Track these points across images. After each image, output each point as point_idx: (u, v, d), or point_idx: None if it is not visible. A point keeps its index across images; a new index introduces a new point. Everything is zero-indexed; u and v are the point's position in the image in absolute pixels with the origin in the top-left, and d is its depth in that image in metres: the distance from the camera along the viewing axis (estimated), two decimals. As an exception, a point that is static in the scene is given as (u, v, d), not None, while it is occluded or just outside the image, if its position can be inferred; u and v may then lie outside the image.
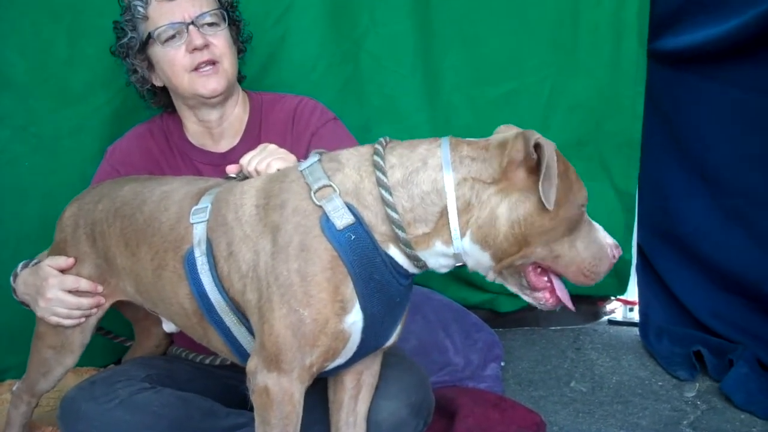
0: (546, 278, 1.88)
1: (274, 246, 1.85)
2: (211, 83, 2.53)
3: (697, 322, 3.59)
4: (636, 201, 3.80)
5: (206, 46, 2.51)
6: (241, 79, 2.76)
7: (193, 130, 2.69)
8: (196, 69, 2.53)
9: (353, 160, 1.89)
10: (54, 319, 2.28)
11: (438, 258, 1.87)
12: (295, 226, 1.84)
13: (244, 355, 2.02)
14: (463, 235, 1.81)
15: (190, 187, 2.17)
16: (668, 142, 3.72)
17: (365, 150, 1.92)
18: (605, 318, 4.18)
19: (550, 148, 1.74)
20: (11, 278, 2.43)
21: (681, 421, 2.91)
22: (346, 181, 1.85)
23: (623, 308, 4.18)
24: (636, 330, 3.90)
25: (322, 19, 3.32)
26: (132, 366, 2.50)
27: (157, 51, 2.55)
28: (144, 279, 2.15)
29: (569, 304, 1.91)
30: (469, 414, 2.77)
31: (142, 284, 2.17)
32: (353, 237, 1.81)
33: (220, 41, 2.56)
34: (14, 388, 2.49)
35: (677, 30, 3.57)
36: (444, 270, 1.92)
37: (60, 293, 2.25)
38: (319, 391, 2.23)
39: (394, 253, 1.85)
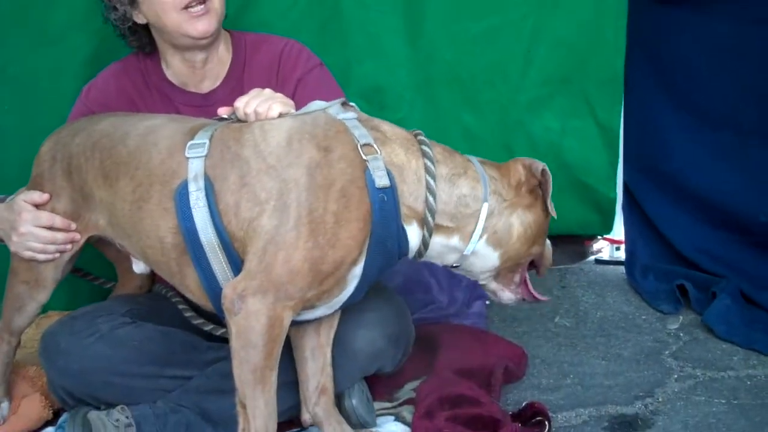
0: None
1: (310, 181, 1.93)
2: (201, 24, 2.46)
3: (683, 258, 3.61)
4: (620, 137, 3.78)
5: None
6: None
7: (176, 69, 2.63)
8: (186, 8, 2.45)
9: (399, 140, 2.07)
10: (28, 254, 2.27)
11: (446, 252, 2.11)
12: (341, 171, 1.95)
13: (218, 296, 2.02)
14: (480, 237, 2.06)
15: (179, 124, 2.18)
16: (655, 77, 3.71)
17: (405, 133, 2.11)
18: (592, 257, 4.19)
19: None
20: None
21: (663, 352, 2.94)
22: (393, 156, 2.02)
23: (610, 247, 4.18)
24: (622, 269, 3.90)
25: (301, -43, 3.28)
26: (114, 302, 2.52)
27: None
28: (120, 211, 2.14)
29: (542, 298, 2.27)
30: (452, 347, 2.80)
31: (117, 216, 2.16)
32: (385, 198, 1.95)
33: None
34: (-3, 329, 2.50)
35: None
36: (439, 262, 2.16)
37: (33, 228, 2.24)
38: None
39: (410, 230, 2.03)
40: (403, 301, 2.48)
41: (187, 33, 2.47)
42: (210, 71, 2.64)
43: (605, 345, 3.04)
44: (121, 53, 2.78)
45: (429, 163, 2.01)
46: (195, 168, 2.01)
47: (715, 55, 3.45)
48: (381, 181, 1.95)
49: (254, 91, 2.24)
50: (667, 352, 2.93)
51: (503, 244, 2.08)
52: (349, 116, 2.07)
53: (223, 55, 2.66)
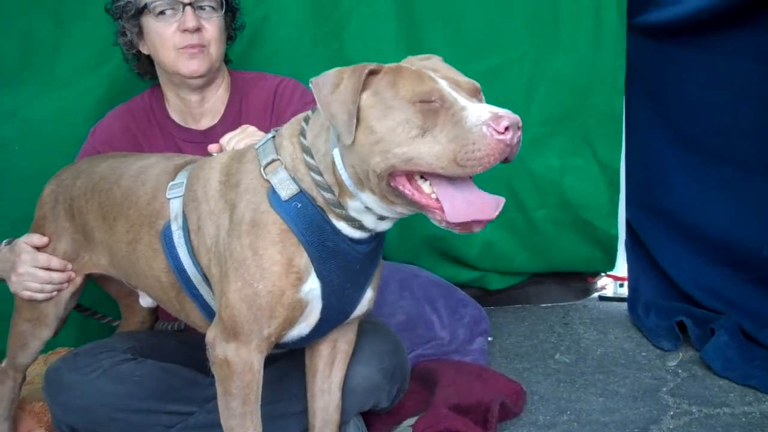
0: (431, 194, 1.72)
1: (230, 223, 1.92)
2: (192, 64, 2.57)
3: (684, 294, 3.62)
4: (620, 175, 3.83)
5: (198, 29, 2.54)
6: (226, 62, 2.80)
7: (175, 106, 2.74)
8: (183, 48, 2.56)
9: (288, 130, 1.95)
10: (27, 294, 2.34)
11: (364, 215, 1.87)
12: (246, 203, 1.91)
13: None
14: (350, 182, 1.82)
15: (167, 163, 2.23)
16: (655, 114, 3.75)
17: (299, 117, 1.96)
18: (596, 294, 4.21)
19: (320, 80, 1.77)
20: None
21: (660, 388, 2.94)
22: (286, 155, 1.91)
23: (614, 284, 4.22)
24: (626, 305, 3.92)
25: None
26: (116, 339, 2.56)
27: (149, 21, 2.57)
28: (119, 252, 2.21)
29: (471, 217, 1.68)
30: (451, 384, 2.82)
31: (117, 257, 2.22)
32: (300, 206, 1.86)
33: (212, 27, 2.59)
34: (2, 365, 2.55)
35: (660, 2, 3.58)
36: (384, 227, 1.92)
37: (31, 269, 2.31)
38: (293, 360, 2.29)
39: (336, 221, 1.88)
40: (398, 336, 2.50)
41: (179, 70, 2.58)
42: (207, 111, 2.73)
43: (604, 382, 3.05)
44: (130, 96, 2.85)
45: (303, 140, 1.88)
46: (175, 208, 2.06)
47: (714, 92, 3.48)
48: (286, 192, 1.86)
49: (240, 128, 2.33)
50: (664, 389, 2.93)
51: (360, 175, 1.78)
52: (264, 139, 1.97)
53: (221, 94, 2.74)
